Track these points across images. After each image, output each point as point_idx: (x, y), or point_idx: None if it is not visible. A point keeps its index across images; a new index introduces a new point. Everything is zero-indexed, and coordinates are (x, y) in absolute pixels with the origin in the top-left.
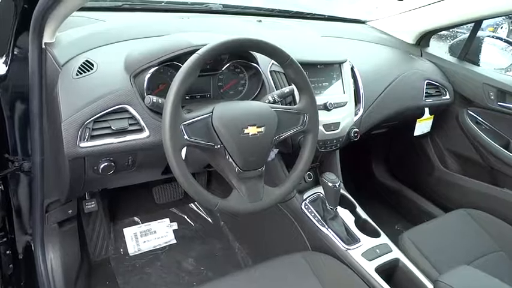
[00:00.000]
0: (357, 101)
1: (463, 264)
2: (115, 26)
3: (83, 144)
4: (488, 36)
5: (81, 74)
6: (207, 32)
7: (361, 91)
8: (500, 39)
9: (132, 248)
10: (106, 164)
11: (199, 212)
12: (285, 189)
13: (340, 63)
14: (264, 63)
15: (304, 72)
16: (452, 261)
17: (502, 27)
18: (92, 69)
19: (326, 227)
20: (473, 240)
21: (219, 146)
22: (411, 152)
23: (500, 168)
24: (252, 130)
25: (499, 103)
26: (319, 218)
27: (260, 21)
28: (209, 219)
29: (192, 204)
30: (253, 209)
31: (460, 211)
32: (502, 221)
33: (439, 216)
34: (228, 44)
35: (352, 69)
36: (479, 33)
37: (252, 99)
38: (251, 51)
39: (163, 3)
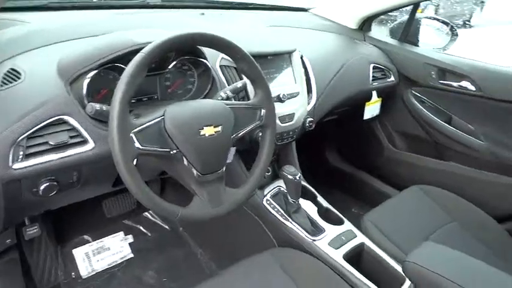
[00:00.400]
0: (309, 90)
1: (421, 240)
2: (42, 28)
3: (16, 165)
4: (426, 17)
5: (6, 84)
6: (149, 29)
7: (312, 80)
8: (437, 19)
9: (85, 270)
10: (47, 184)
11: (155, 220)
12: (249, 189)
13: (289, 53)
14: (213, 58)
15: (258, 66)
16: (412, 239)
17: (427, 9)
18: (19, 78)
19: (290, 220)
20: (428, 215)
21: (175, 151)
22: (362, 135)
23: (444, 143)
24: (208, 131)
25: (440, 81)
26: (283, 212)
27: (203, 14)
28: (166, 227)
29: (146, 213)
30: (216, 213)
31: (413, 188)
32: (450, 193)
33: (393, 195)
34: (176, 40)
35: (301, 58)
36: (417, 15)
37: (203, 98)
38: (199, 47)
39: (95, 0)
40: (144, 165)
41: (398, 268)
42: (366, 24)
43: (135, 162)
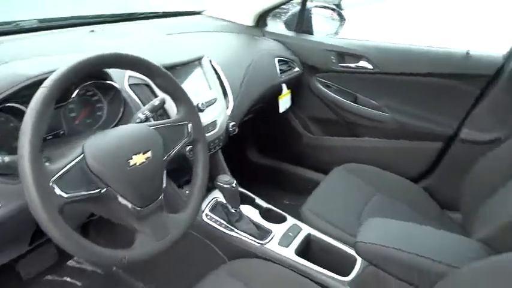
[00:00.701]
0: (225, 94)
1: (356, 218)
2: None
3: None
4: (315, 6)
5: None
6: (39, 57)
7: (226, 83)
8: (325, 7)
9: None
10: None
11: (83, 266)
12: (193, 210)
13: (199, 60)
14: (119, 78)
15: (175, 79)
16: (349, 218)
17: None
18: None
19: (235, 230)
20: (356, 192)
21: (105, 190)
22: (280, 129)
23: (355, 121)
24: (138, 159)
25: (340, 64)
26: (226, 223)
27: (93, 31)
28: (98, 270)
29: (71, 261)
30: (165, 246)
31: (337, 169)
32: (370, 166)
33: (321, 180)
34: (83, 65)
35: (210, 63)
36: (308, 5)
37: (118, 123)
38: (104, 69)
39: None
40: (70, 213)
41: (347, 249)
42: (261, 20)
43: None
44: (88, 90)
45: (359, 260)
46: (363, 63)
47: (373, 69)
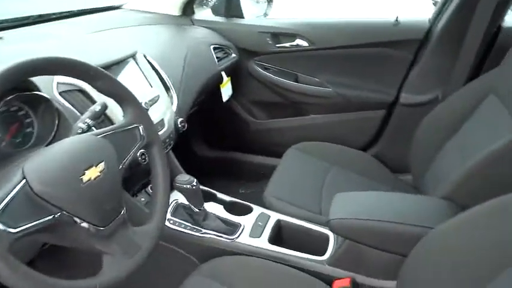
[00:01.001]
0: (167, 89)
1: (318, 195)
2: None
3: None
4: None
5: None
6: None
7: (166, 78)
8: None
9: None
10: None
11: None
12: (160, 218)
13: (132, 56)
14: (46, 86)
15: (117, 79)
16: (312, 197)
17: None
18: None
19: (203, 230)
20: (313, 170)
21: (59, 215)
22: (225, 118)
23: (300, 100)
24: (92, 173)
25: (276, 45)
26: (191, 225)
27: (1, 38)
28: None
29: None
30: (137, 263)
31: (290, 151)
32: (321, 142)
33: (276, 164)
34: (7, 75)
35: (146, 58)
36: None
37: (54, 138)
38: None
39: None
40: (19, 248)
41: (318, 228)
42: (188, 8)
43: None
44: (11, 105)
45: (332, 237)
46: (299, 42)
47: (310, 46)
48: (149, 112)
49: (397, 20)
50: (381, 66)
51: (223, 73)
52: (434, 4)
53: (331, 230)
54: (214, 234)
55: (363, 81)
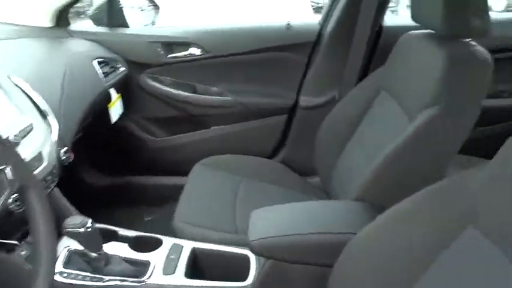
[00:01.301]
0: (43, 116)
1: (232, 212)
2: None
3: None
4: None
5: None
6: None
7: (40, 102)
8: None
9: None
10: None
11: None
12: (45, 274)
13: None
14: None
15: None
16: (226, 216)
17: None
18: None
19: (106, 278)
20: (223, 185)
21: None
22: (118, 140)
23: (200, 112)
24: None
25: (169, 56)
26: (91, 275)
27: None
28: None
29: None
30: None
31: (197, 167)
32: (227, 155)
33: (182, 183)
34: None
35: (10, 80)
36: None
37: None
38: None
39: None
40: None
41: (237, 250)
42: (62, 19)
43: None
44: None
45: (252, 258)
46: (193, 50)
47: (205, 54)
48: (20, 147)
49: (289, 24)
50: (278, 70)
51: (111, 90)
52: (316, 9)
53: (253, 252)
54: (120, 280)
55: (262, 87)
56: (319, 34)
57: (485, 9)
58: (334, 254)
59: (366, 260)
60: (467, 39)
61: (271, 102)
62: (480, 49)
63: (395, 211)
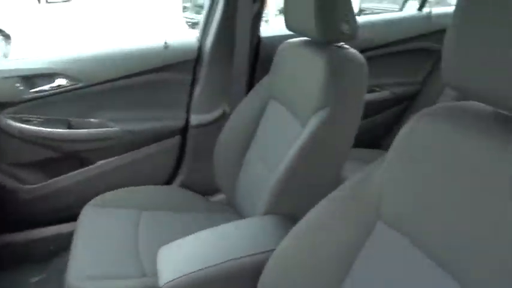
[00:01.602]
0: None
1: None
2: None
3: None
4: None
5: None
6: None
7: None
8: None
9: None
10: None
11: None
12: None
13: None
14: None
15: None
16: (129, 258)
17: None
18: None
19: None
20: (121, 223)
21: None
22: None
23: (79, 148)
24: None
25: (31, 91)
26: None
27: None
28: None
29: None
30: None
31: (87, 209)
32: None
33: (73, 230)
34: None
35: None
36: None
37: None
38: None
39: None
40: None
41: None
42: None
43: None
44: None
45: None
46: (60, 82)
47: (75, 84)
48: None
49: (166, 43)
50: (162, 92)
51: None
52: (191, 25)
53: None
54: None
55: (149, 111)
56: (199, 50)
57: (352, 14)
58: (254, 276)
59: (291, 274)
60: (341, 44)
61: (161, 125)
62: (353, 51)
63: (309, 220)
